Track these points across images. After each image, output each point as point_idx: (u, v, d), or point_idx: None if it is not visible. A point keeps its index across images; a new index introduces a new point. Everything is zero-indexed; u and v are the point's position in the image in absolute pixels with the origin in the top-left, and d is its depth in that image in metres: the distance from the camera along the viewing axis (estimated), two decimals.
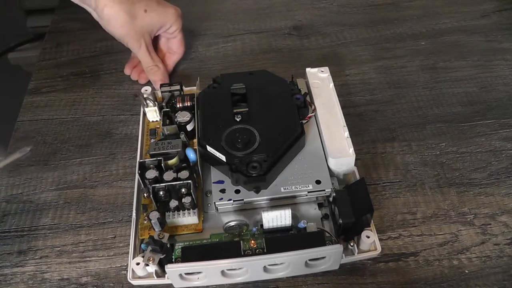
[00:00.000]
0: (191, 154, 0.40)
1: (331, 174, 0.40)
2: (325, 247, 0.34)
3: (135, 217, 0.39)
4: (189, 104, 0.44)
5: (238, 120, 0.41)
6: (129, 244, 0.38)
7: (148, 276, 0.36)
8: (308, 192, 0.38)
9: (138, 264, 0.36)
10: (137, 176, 0.40)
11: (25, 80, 0.56)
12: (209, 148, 0.40)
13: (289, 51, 0.57)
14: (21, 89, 0.55)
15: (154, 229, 0.38)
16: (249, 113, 0.42)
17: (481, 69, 0.54)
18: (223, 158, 0.39)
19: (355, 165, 0.40)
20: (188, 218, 0.38)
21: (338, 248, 0.34)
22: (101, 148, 0.48)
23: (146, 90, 0.47)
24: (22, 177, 0.45)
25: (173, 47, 0.54)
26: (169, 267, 0.33)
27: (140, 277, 0.36)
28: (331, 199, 0.38)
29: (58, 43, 0.60)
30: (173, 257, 0.36)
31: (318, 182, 0.39)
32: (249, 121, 0.41)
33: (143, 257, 0.35)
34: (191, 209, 0.38)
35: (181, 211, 0.38)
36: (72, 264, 0.39)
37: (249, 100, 0.43)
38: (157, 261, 0.35)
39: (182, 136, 0.42)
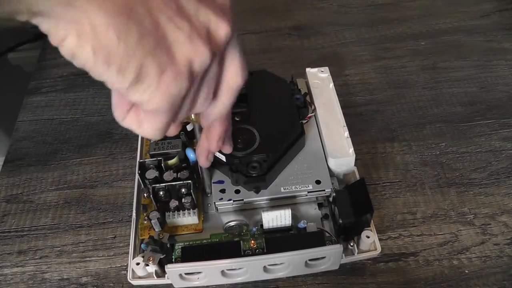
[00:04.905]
0: (191, 154, 0.40)
1: (331, 174, 0.40)
2: (325, 247, 0.34)
3: (135, 217, 0.39)
4: None
5: (238, 120, 0.41)
6: (129, 244, 0.38)
7: (148, 276, 0.36)
8: (308, 192, 0.38)
9: (138, 264, 0.36)
10: (137, 176, 0.40)
11: (25, 80, 0.56)
12: None
13: (289, 51, 0.57)
14: (21, 89, 0.55)
15: (154, 229, 0.38)
16: (249, 113, 0.42)
17: (481, 69, 0.54)
18: (223, 158, 0.39)
19: (355, 165, 0.40)
20: (188, 218, 0.38)
21: (338, 248, 0.34)
22: (101, 148, 0.48)
23: None
24: (22, 177, 0.45)
25: None
26: (169, 267, 0.33)
27: (140, 277, 0.36)
28: (331, 199, 0.38)
29: None
30: (173, 257, 0.36)
31: (318, 182, 0.38)
32: (249, 121, 0.41)
33: (143, 257, 0.35)
34: (191, 209, 0.38)
35: (181, 211, 0.38)
36: (72, 264, 0.39)
37: (249, 100, 0.43)
38: (157, 261, 0.35)
39: (182, 136, 0.42)
